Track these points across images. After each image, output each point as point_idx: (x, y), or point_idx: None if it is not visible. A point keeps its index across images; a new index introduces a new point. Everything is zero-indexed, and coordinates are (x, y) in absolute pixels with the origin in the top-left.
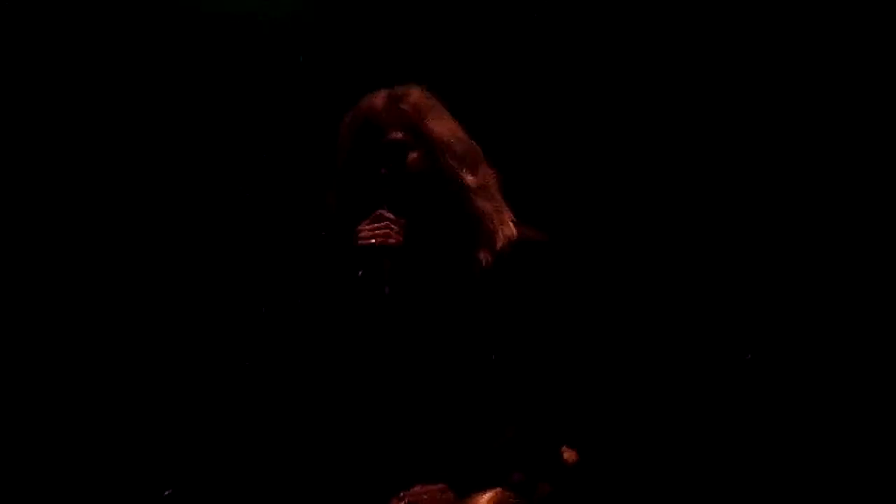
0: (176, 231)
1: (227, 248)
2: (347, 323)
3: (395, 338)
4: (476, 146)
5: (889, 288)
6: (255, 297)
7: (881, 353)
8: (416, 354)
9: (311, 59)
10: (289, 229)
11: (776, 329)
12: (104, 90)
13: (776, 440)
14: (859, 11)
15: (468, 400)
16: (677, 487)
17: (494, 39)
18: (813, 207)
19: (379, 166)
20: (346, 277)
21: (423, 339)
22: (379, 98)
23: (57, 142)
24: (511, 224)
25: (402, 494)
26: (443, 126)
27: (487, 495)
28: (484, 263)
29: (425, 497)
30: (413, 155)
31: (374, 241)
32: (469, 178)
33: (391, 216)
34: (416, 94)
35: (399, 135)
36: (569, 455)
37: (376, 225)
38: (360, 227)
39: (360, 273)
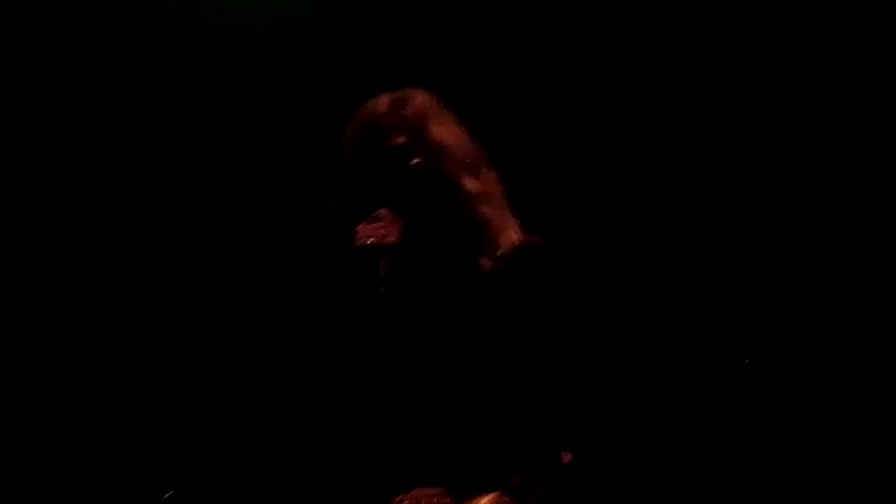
0: (177, 232)
1: (227, 249)
2: (344, 323)
3: (391, 339)
4: (481, 151)
5: (889, 288)
6: (253, 296)
7: (881, 352)
8: (413, 356)
9: (312, 61)
10: (288, 230)
11: (781, 333)
12: (107, 90)
13: (777, 442)
14: (859, 11)
15: (465, 403)
16: (676, 489)
17: (504, 41)
18: (820, 211)
19: (380, 171)
20: (342, 278)
21: (420, 341)
22: (382, 102)
23: (62, 143)
24: (515, 230)
25: (399, 497)
26: (446, 131)
27: (485, 499)
28: (485, 269)
29: (423, 500)
30: (415, 160)
31: (371, 240)
32: (471, 185)
33: (390, 216)
34: (419, 99)
35: (401, 139)
36: (566, 457)
37: (374, 225)
38: (357, 228)
39: (357, 273)
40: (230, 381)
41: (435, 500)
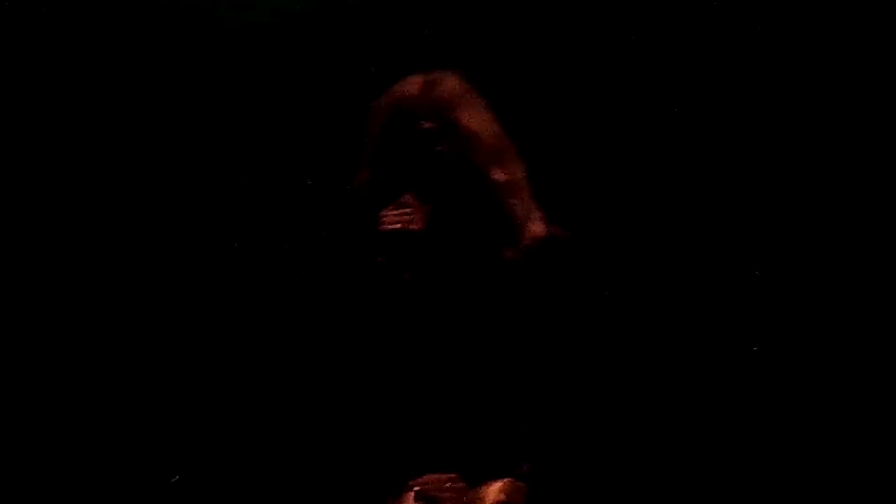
0: (195, 218)
1: (246, 233)
2: (366, 308)
3: (412, 325)
4: (508, 140)
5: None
6: (273, 280)
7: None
8: (433, 343)
9: (323, 53)
10: (310, 217)
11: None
12: (112, 90)
13: (781, 445)
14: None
15: (482, 391)
16: (686, 482)
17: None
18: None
19: (407, 153)
20: (366, 262)
21: (440, 328)
22: (413, 83)
23: (68, 144)
24: (539, 222)
25: (412, 483)
26: (476, 118)
27: (497, 485)
28: (508, 260)
29: (436, 486)
30: (443, 146)
31: (397, 226)
32: (498, 175)
33: (416, 202)
34: (451, 82)
35: (430, 124)
36: (576, 445)
37: (400, 210)
38: (383, 213)
39: (382, 258)
40: (245, 368)
41: (448, 485)
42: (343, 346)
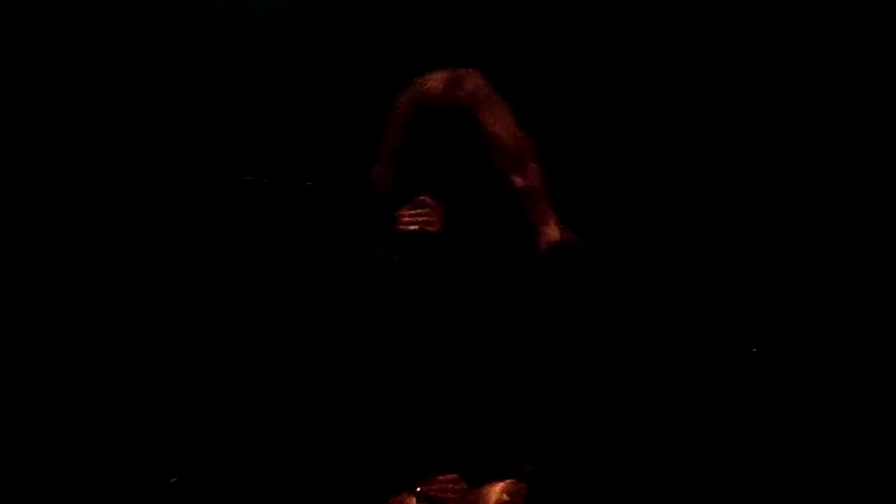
0: (195, 218)
1: (261, 232)
2: (382, 307)
3: (426, 326)
4: (529, 143)
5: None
6: (289, 278)
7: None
8: (445, 344)
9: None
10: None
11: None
12: (113, 90)
13: (781, 445)
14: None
15: (490, 393)
16: (688, 483)
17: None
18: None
19: (427, 151)
20: (384, 262)
21: (452, 330)
22: (437, 80)
23: (67, 143)
24: (554, 227)
25: (417, 484)
26: (498, 121)
27: (499, 486)
28: (523, 265)
29: (440, 487)
30: (464, 146)
31: (415, 227)
32: (517, 180)
33: (432, 203)
34: (474, 81)
35: (452, 123)
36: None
37: (418, 211)
38: (400, 213)
39: (399, 258)
40: (258, 365)
41: (451, 486)
42: (352, 344)
